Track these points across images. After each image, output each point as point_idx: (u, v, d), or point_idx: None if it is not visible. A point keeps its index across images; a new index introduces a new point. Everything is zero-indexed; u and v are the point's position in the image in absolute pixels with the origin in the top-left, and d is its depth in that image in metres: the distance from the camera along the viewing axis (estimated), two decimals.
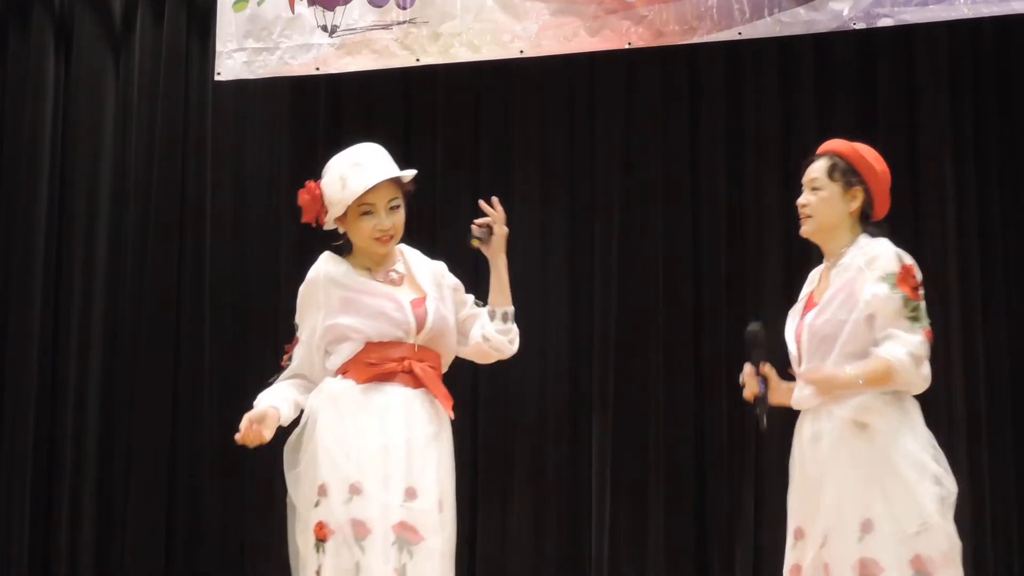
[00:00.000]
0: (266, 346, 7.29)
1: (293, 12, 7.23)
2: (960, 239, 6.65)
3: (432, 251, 7.75)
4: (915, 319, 4.16)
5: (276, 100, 7.64)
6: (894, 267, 4.18)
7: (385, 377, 4.21)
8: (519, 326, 4.59)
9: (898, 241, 4.78)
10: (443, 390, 4.23)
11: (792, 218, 6.86)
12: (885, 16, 6.44)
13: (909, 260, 4.17)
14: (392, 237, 4.27)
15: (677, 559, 6.77)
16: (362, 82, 7.36)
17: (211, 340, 7.38)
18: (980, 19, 6.46)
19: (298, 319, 4.32)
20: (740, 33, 6.62)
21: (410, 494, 4.02)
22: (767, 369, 4.35)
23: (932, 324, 4.26)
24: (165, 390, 7.50)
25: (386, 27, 7.16)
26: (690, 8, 6.69)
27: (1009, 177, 6.69)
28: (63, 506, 7.34)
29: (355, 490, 3.99)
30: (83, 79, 7.91)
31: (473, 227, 4.35)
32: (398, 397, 4.20)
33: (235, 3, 7.35)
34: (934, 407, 6.49)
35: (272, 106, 7.66)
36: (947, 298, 6.58)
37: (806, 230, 4.49)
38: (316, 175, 7.54)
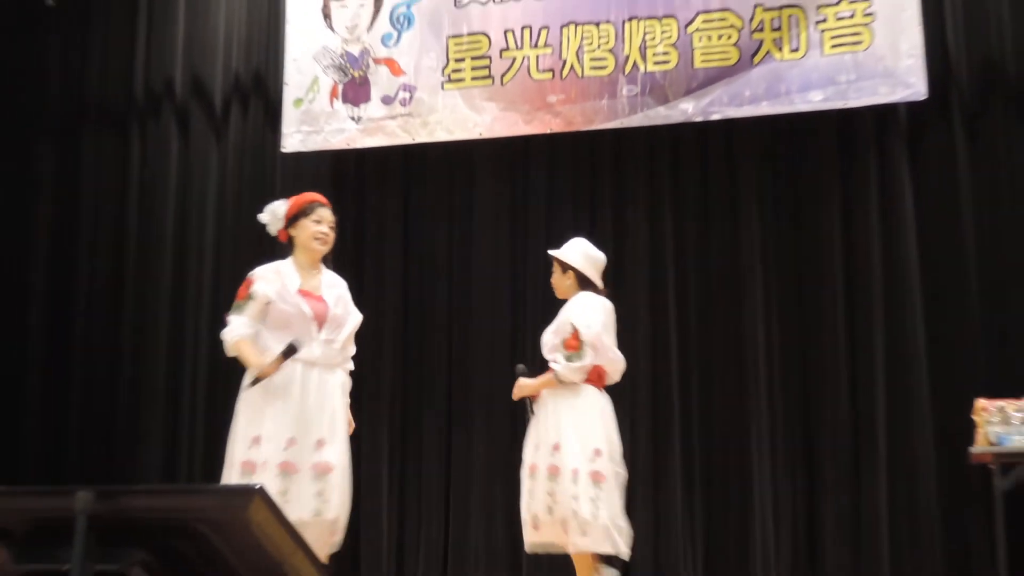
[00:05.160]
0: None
1: (332, 107, 8.57)
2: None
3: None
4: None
5: (321, 165, 8.74)
6: None
7: None
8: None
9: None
10: None
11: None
12: (715, 112, 7.98)
13: None
14: None
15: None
16: (377, 154, 8.56)
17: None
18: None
19: None
20: (621, 123, 8.11)
21: None
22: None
23: None
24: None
25: (392, 118, 8.47)
26: (590, 107, 8.16)
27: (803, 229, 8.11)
28: None
29: None
30: (195, 155, 9.11)
31: None
32: None
33: (295, 101, 8.68)
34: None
35: (318, 169, 8.73)
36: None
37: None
38: (347, 215, 8.17)
